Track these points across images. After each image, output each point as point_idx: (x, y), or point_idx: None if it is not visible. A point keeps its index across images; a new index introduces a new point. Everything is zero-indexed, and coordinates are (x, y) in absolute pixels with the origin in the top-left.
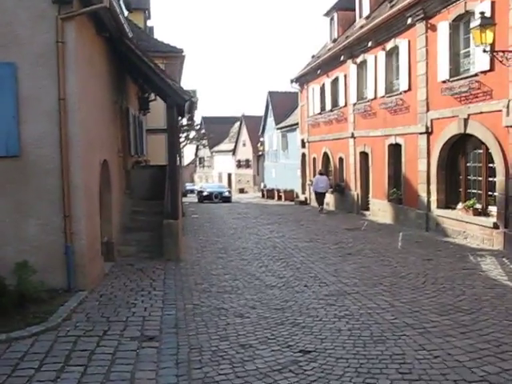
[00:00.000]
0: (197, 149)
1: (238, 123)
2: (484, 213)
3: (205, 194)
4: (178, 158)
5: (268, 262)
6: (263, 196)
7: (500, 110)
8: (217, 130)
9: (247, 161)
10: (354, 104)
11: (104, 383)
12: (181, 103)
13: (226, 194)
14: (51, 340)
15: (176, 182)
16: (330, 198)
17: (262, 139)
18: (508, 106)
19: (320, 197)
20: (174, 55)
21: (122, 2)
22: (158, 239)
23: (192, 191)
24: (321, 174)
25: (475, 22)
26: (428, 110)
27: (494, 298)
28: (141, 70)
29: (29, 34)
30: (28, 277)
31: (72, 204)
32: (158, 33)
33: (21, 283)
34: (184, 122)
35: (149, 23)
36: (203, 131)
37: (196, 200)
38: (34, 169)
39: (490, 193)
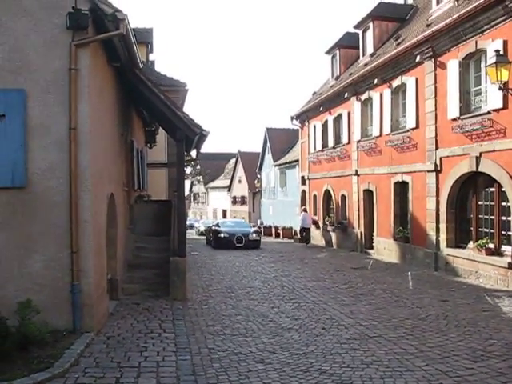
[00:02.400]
0: (191, 184)
1: (234, 159)
2: (497, 252)
3: (222, 235)
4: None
5: (279, 303)
6: (260, 233)
7: None
8: (212, 165)
9: (243, 197)
10: (358, 141)
11: None
12: (191, 137)
13: (254, 236)
14: None
15: (183, 218)
16: (331, 236)
17: (259, 176)
18: None
19: (307, 232)
20: (177, 89)
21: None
22: (163, 277)
23: (191, 226)
24: (305, 210)
25: (491, 60)
26: (437, 148)
27: None
28: (150, 102)
29: (40, 60)
30: (31, 317)
31: (80, 239)
32: (158, 67)
33: (23, 324)
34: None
35: (151, 57)
36: (198, 167)
37: (195, 237)
38: (41, 201)
39: (503, 232)
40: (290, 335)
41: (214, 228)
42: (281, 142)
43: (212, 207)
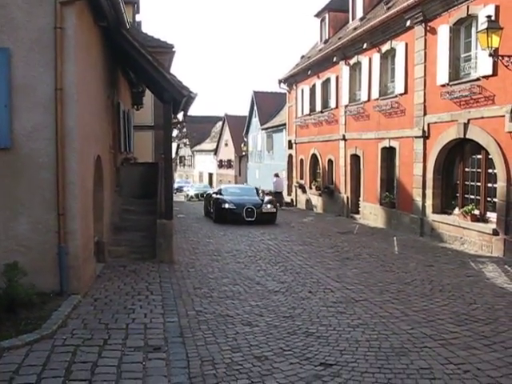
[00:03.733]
0: (178, 147)
1: (221, 123)
2: (483, 219)
3: (227, 206)
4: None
5: (266, 266)
6: None
7: (503, 116)
8: (198, 129)
9: (229, 161)
10: (346, 106)
11: None
12: (179, 99)
13: (268, 207)
14: (47, 350)
15: (170, 181)
16: (317, 201)
17: (245, 139)
18: (511, 112)
19: (280, 196)
20: (164, 50)
21: None
22: (150, 240)
23: (180, 189)
24: (277, 175)
25: (482, 26)
26: (425, 114)
27: (507, 307)
28: (137, 63)
29: (25, 17)
30: (18, 279)
31: (66, 201)
32: (145, 28)
33: (11, 286)
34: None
35: (137, 18)
36: (185, 130)
37: (185, 205)
38: (27, 163)
39: (488, 199)
40: (276, 298)
41: (215, 196)
42: (268, 105)
43: (198, 170)
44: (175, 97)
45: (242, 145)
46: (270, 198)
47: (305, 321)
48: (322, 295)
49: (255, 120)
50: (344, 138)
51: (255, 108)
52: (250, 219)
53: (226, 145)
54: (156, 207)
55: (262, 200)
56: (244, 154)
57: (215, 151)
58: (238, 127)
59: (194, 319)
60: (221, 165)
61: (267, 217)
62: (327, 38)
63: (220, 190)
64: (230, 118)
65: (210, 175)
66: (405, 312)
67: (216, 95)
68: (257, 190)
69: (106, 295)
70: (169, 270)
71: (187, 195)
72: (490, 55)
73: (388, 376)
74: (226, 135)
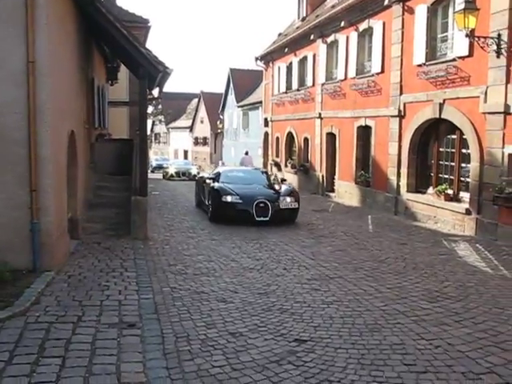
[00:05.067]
0: (153, 124)
1: (196, 100)
2: (456, 198)
3: (230, 199)
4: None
5: (240, 243)
6: None
7: (478, 96)
8: (174, 105)
9: (205, 138)
10: (323, 84)
11: (88, 378)
12: (154, 74)
13: (288, 201)
14: (20, 327)
15: (145, 158)
16: (293, 179)
17: (221, 117)
18: (486, 93)
19: None
20: (139, 25)
21: None
22: (125, 216)
23: (160, 167)
24: (246, 153)
25: (459, 6)
26: (401, 93)
27: (477, 284)
28: (111, 37)
29: None
30: None
31: (39, 177)
32: (120, 1)
33: None
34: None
35: None
36: (160, 107)
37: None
38: None
39: (461, 178)
40: (251, 275)
41: (211, 185)
42: (244, 83)
43: (173, 148)
44: (151, 72)
45: (218, 122)
46: (289, 186)
47: (279, 297)
48: (296, 272)
49: (231, 97)
50: (320, 117)
51: (231, 85)
52: (262, 219)
53: (202, 122)
54: (130, 184)
55: (278, 191)
56: (220, 131)
57: (191, 128)
58: (214, 104)
59: (169, 296)
60: (196, 142)
61: (287, 215)
62: (305, 15)
63: (218, 174)
64: (205, 95)
65: (186, 152)
66: (378, 289)
67: (192, 72)
68: (266, 174)
69: (79, 272)
70: (143, 247)
71: (166, 173)
72: (467, 36)
73: (361, 352)
74: (202, 112)
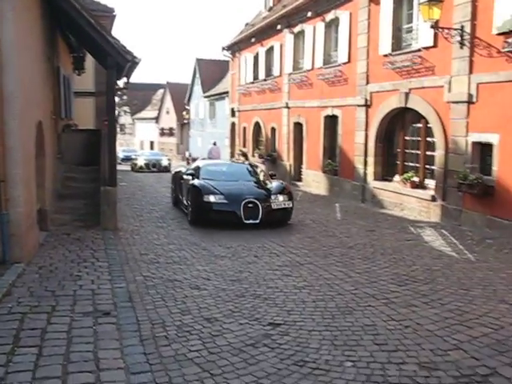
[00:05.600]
0: (118, 115)
1: (162, 90)
2: (421, 186)
3: (213, 199)
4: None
5: (211, 232)
6: (188, 164)
7: (442, 86)
8: (139, 96)
9: (171, 129)
10: (290, 74)
11: (66, 366)
12: (123, 64)
13: (280, 200)
14: None
15: (113, 148)
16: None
17: (187, 107)
18: (450, 83)
19: None
20: (104, 14)
21: None
22: (93, 207)
23: (128, 158)
24: (214, 144)
25: None
26: (368, 83)
27: (443, 268)
28: (78, 26)
29: None
30: None
31: (8, 167)
32: None
33: None
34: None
35: None
36: (125, 97)
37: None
38: None
39: (427, 166)
40: (223, 263)
41: (191, 182)
42: (211, 73)
43: (139, 139)
44: (119, 62)
45: (184, 113)
46: (280, 182)
47: (252, 284)
48: (267, 259)
49: (198, 88)
50: (287, 106)
51: (198, 75)
52: (251, 221)
53: (168, 113)
54: (98, 174)
55: (268, 188)
56: (186, 121)
57: (157, 119)
58: (180, 95)
59: (142, 284)
60: (162, 133)
61: (279, 216)
62: (271, 5)
63: (197, 168)
64: (171, 85)
65: (152, 143)
66: (348, 274)
67: (157, 62)
68: (253, 168)
69: (50, 263)
70: (114, 237)
71: (135, 165)
72: (431, 27)
73: (334, 333)
74: (168, 103)
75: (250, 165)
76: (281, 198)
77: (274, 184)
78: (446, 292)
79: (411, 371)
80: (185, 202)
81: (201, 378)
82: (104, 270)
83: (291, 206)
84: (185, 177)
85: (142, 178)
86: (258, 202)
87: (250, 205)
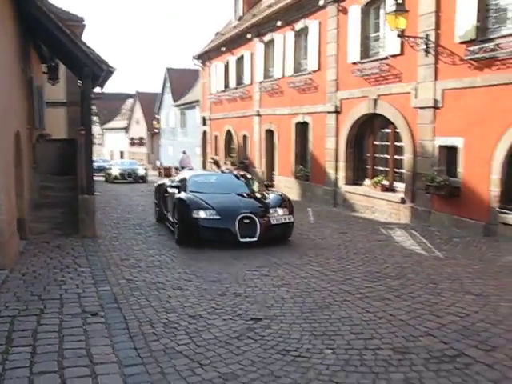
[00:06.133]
0: None
1: (132, 100)
2: (391, 189)
3: (203, 215)
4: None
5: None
6: (160, 174)
7: (409, 92)
8: (108, 106)
9: (141, 139)
10: (261, 82)
11: (61, 362)
12: (98, 73)
13: (280, 213)
14: None
15: (90, 157)
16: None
17: (158, 116)
18: (416, 89)
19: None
20: (74, 24)
21: None
22: (71, 215)
23: (101, 169)
24: (184, 153)
25: (390, 8)
26: (337, 90)
27: (413, 265)
28: (53, 37)
29: None
30: None
31: None
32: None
33: None
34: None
35: None
36: (94, 107)
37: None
38: None
39: (396, 170)
40: (202, 265)
41: (177, 195)
42: (181, 82)
43: (109, 149)
44: (95, 72)
45: (155, 122)
46: (279, 194)
47: (232, 283)
48: (245, 261)
49: (168, 97)
50: (258, 114)
51: (168, 84)
52: (248, 240)
53: (138, 122)
54: (74, 183)
55: (265, 201)
56: (156, 131)
57: (126, 129)
58: (150, 104)
59: (126, 287)
60: (132, 143)
61: (279, 232)
62: (241, 14)
63: (184, 180)
64: (141, 95)
65: (122, 153)
66: (324, 272)
67: (126, 72)
68: (246, 178)
69: (33, 270)
70: (93, 245)
71: (109, 175)
72: (398, 36)
73: (313, 325)
74: (138, 112)
75: (243, 175)
76: (280, 211)
77: (271, 196)
78: (417, 286)
79: (386, 355)
80: (171, 218)
81: (191, 367)
82: (87, 274)
83: (292, 220)
84: (170, 190)
85: (118, 189)
86: (255, 217)
87: (246, 220)
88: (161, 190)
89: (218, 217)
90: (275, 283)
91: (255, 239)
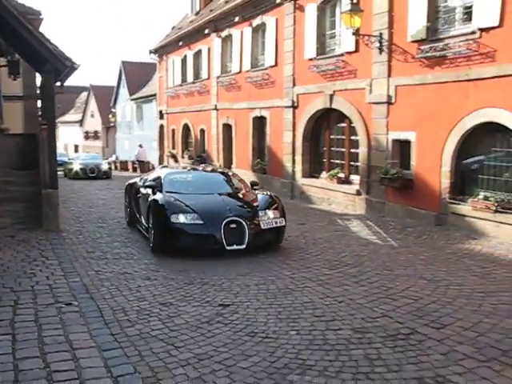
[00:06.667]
0: None
1: (86, 93)
2: (347, 181)
3: (184, 220)
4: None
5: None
6: (116, 168)
7: (364, 88)
8: (62, 99)
9: (96, 132)
10: (218, 77)
11: (42, 348)
12: (62, 70)
13: (270, 216)
14: None
15: (54, 151)
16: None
17: (113, 110)
18: (371, 85)
19: (142, 164)
20: (31, 17)
21: None
22: (34, 210)
23: (60, 164)
24: (140, 146)
25: (346, 7)
26: (294, 85)
27: (370, 253)
28: (13, 31)
29: None
30: None
31: None
32: None
33: None
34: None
35: None
36: None
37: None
38: None
39: (351, 163)
40: (167, 256)
41: (152, 197)
42: (137, 75)
43: (63, 142)
44: (58, 68)
45: (110, 116)
46: (267, 194)
47: (198, 273)
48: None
49: (124, 90)
50: (216, 108)
51: (123, 78)
52: (235, 247)
53: (93, 116)
54: (36, 178)
55: (252, 203)
56: (112, 124)
57: (81, 122)
58: (105, 98)
59: (96, 278)
60: (87, 136)
61: (270, 237)
62: (198, 9)
63: (158, 179)
64: (95, 88)
65: (76, 147)
66: (285, 261)
67: (81, 64)
68: (228, 176)
69: (1, 263)
70: (58, 238)
71: (70, 170)
72: (353, 34)
73: (278, 310)
74: (92, 106)
75: (223, 172)
76: (271, 214)
77: (258, 196)
78: (373, 273)
79: (347, 335)
80: (144, 222)
81: (167, 350)
82: (56, 267)
83: (284, 224)
84: (143, 190)
85: (76, 184)
86: (242, 222)
87: (233, 225)
88: (132, 191)
89: (200, 221)
90: (239, 271)
91: (243, 246)
